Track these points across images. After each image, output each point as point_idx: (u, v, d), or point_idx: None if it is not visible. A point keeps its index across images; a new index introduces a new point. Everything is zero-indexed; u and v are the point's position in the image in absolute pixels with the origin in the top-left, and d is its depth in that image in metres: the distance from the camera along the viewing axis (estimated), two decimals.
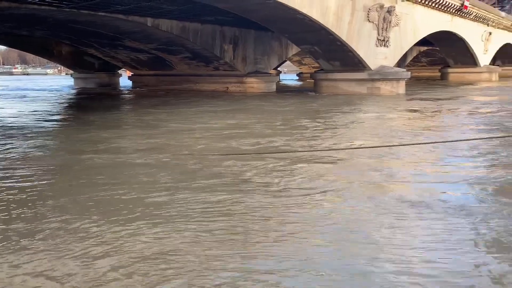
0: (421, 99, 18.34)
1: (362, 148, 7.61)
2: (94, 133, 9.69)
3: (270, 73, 27.36)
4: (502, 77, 38.81)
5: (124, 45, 25.53)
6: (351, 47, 19.64)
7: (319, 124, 10.92)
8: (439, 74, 38.37)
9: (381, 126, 10.68)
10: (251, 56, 25.27)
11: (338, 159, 6.70)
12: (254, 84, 24.92)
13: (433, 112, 13.71)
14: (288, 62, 50.03)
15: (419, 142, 8.05)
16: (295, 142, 8.14)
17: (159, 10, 18.67)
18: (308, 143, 8.08)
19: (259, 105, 16.76)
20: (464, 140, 8.26)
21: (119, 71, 37.27)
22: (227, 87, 25.43)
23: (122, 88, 31.77)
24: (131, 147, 7.88)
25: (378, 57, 21.12)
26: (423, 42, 29.48)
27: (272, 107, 15.97)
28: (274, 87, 25.85)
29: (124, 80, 36.60)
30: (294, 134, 9.20)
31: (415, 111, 14.10)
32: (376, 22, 20.57)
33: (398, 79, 21.39)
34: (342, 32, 19.09)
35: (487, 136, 8.61)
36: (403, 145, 7.77)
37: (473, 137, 8.58)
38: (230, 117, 12.51)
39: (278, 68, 44.55)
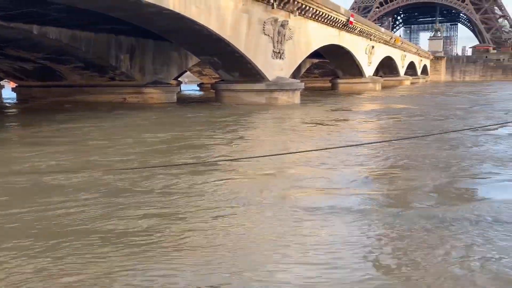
0: (315, 108, 19.56)
1: (263, 156, 7.88)
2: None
3: (171, 84, 26.93)
4: (384, 87, 42.96)
5: (6, 54, 23.21)
6: (249, 58, 20.22)
7: (230, 135, 11.06)
8: (330, 84, 41.11)
9: (279, 135, 11.15)
10: (150, 66, 24.68)
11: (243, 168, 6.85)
12: (154, 95, 24.34)
13: (327, 120, 14.68)
14: (189, 73, 49.71)
15: (316, 148, 8.57)
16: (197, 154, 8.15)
17: (46, 17, 17.35)
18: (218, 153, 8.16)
19: (166, 117, 16.48)
20: (350, 145, 8.98)
21: (1, 82, 33.73)
22: (125, 98, 24.47)
23: (5, 102, 28.76)
24: (55, 166, 7.25)
25: (275, 68, 22.07)
26: (315, 54, 31.49)
27: (179, 118, 15.93)
28: (175, 97, 25.53)
29: (8, 92, 33.21)
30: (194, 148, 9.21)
31: (310, 119, 14.97)
32: (272, 35, 21.49)
33: (293, 90, 22.55)
34: (240, 44, 19.58)
35: (380, 140, 9.49)
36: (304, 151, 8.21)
37: (363, 142, 9.37)
38: (144, 131, 12.05)
39: (179, 79, 44.00)
